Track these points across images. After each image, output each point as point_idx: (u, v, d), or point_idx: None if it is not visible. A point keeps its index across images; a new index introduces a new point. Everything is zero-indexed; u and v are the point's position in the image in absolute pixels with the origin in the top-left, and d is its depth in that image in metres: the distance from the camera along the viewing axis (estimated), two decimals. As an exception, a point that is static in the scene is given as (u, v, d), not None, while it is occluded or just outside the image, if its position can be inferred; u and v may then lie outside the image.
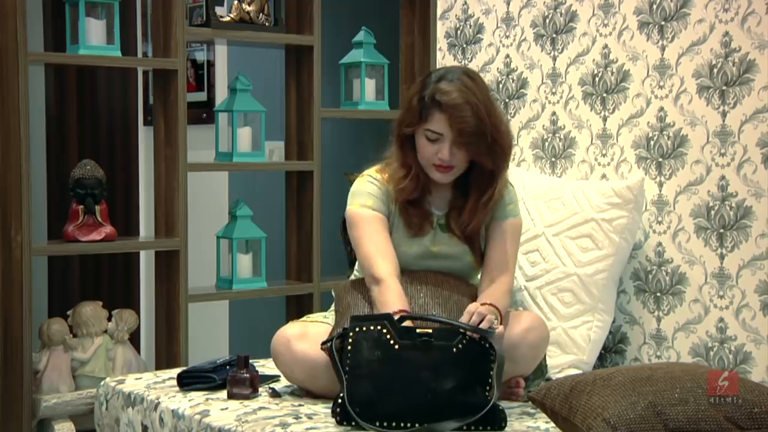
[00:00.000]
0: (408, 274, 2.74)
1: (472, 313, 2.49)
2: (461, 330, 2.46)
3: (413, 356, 2.43)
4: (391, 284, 2.65)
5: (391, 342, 2.45)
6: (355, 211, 2.79)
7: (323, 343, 2.61)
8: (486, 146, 2.68)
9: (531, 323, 2.71)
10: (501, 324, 2.61)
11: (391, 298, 2.62)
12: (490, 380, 2.43)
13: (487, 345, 2.46)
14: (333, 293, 2.86)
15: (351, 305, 2.70)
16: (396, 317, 2.50)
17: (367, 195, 2.78)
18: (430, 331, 2.47)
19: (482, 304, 2.61)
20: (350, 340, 2.47)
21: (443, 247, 2.80)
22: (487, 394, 2.42)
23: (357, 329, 2.47)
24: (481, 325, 2.46)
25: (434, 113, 2.67)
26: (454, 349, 2.44)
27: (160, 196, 3.61)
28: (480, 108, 2.65)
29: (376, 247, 2.73)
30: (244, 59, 4.68)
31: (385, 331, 2.46)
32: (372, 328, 2.47)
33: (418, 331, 2.47)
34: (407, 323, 2.50)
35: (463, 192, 2.80)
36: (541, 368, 2.81)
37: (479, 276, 2.84)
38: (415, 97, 2.72)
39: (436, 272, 2.78)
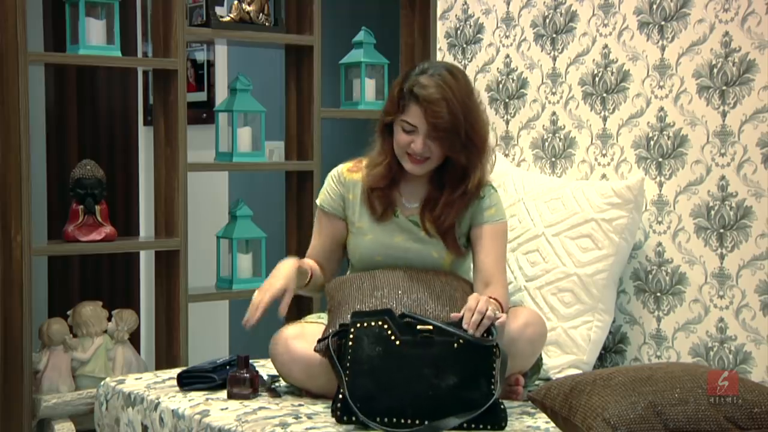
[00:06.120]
0: (402, 269, 2.76)
1: (473, 309, 2.48)
2: (459, 336, 2.46)
3: (414, 352, 2.44)
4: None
5: (392, 338, 2.46)
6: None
7: (319, 342, 2.61)
8: (460, 143, 2.72)
9: (529, 319, 2.72)
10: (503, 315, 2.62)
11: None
12: (494, 372, 2.44)
13: (490, 337, 2.46)
14: (325, 291, 2.88)
15: (342, 303, 2.70)
16: (397, 314, 2.51)
17: (322, 191, 2.93)
18: (431, 327, 2.47)
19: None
20: (351, 336, 2.47)
21: (410, 240, 2.82)
22: (492, 387, 2.42)
23: (358, 325, 2.48)
24: (484, 319, 2.46)
25: (411, 105, 2.71)
26: (455, 345, 2.45)
27: (160, 196, 3.61)
28: (455, 105, 2.68)
29: (310, 247, 2.98)
30: (244, 59, 4.68)
31: (386, 327, 2.47)
32: (373, 323, 2.48)
33: (418, 327, 2.47)
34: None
35: (439, 187, 2.83)
36: (538, 365, 2.82)
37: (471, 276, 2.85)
38: (396, 88, 2.78)
39: (429, 270, 2.78)
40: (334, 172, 2.92)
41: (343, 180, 2.89)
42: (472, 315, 2.47)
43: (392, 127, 2.79)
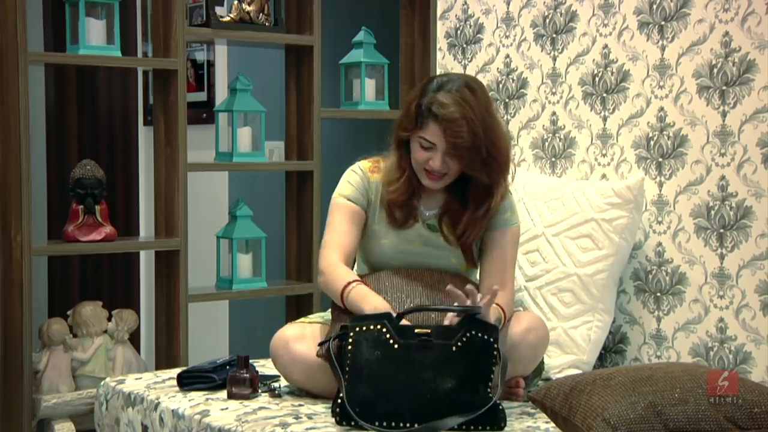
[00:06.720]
0: (404, 272, 2.75)
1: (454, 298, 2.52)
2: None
3: (413, 356, 2.44)
4: (333, 270, 2.70)
5: (391, 341, 2.45)
6: (332, 199, 2.85)
7: (319, 345, 2.61)
8: (481, 161, 2.67)
9: (530, 324, 2.72)
10: (504, 324, 2.62)
11: (336, 280, 2.68)
12: (492, 376, 2.43)
13: (491, 339, 2.46)
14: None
15: (344, 316, 2.69)
16: (394, 315, 2.51)
17: (346, 184, 2.83)
18: (429, 331, 2.47)
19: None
20: (350, 341, 2.47)
21: (428, 246, 2.80)
22: (489, 391, 2.42)
23: (357, 329, 2.47)
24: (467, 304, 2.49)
25: (429, 123, 2.66)
26: (454, 348, 2.44)
27: (160, 196, 3.61)
28: (476, 124, 2.63)
29: (333, 237, 2.78)
30: (244, 59, 4.68)
31: (384, 330, 2.46)
32: (372, 327, 2.47)
33: (416, 331, 2.47)
34: (404, 322, 2.51)
35: (458, 196, 2.79)
36: (540, 367, 2.81)
37: (478, 278, 2.85)
38: (413, 103, 2.72)
39: (432, 270, 2.78)
40: (357, 168, 2.84)
41: (367, 179, 2.83)
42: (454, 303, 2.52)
43: (408, 141, 2.75)
